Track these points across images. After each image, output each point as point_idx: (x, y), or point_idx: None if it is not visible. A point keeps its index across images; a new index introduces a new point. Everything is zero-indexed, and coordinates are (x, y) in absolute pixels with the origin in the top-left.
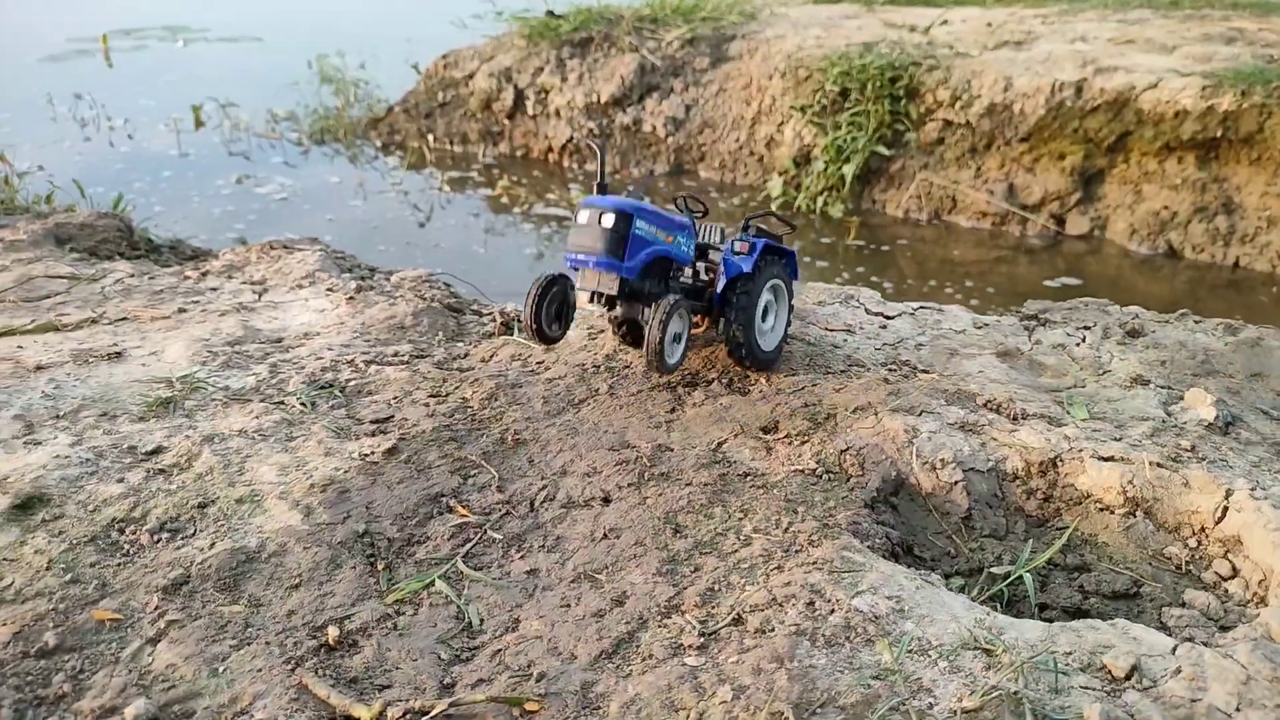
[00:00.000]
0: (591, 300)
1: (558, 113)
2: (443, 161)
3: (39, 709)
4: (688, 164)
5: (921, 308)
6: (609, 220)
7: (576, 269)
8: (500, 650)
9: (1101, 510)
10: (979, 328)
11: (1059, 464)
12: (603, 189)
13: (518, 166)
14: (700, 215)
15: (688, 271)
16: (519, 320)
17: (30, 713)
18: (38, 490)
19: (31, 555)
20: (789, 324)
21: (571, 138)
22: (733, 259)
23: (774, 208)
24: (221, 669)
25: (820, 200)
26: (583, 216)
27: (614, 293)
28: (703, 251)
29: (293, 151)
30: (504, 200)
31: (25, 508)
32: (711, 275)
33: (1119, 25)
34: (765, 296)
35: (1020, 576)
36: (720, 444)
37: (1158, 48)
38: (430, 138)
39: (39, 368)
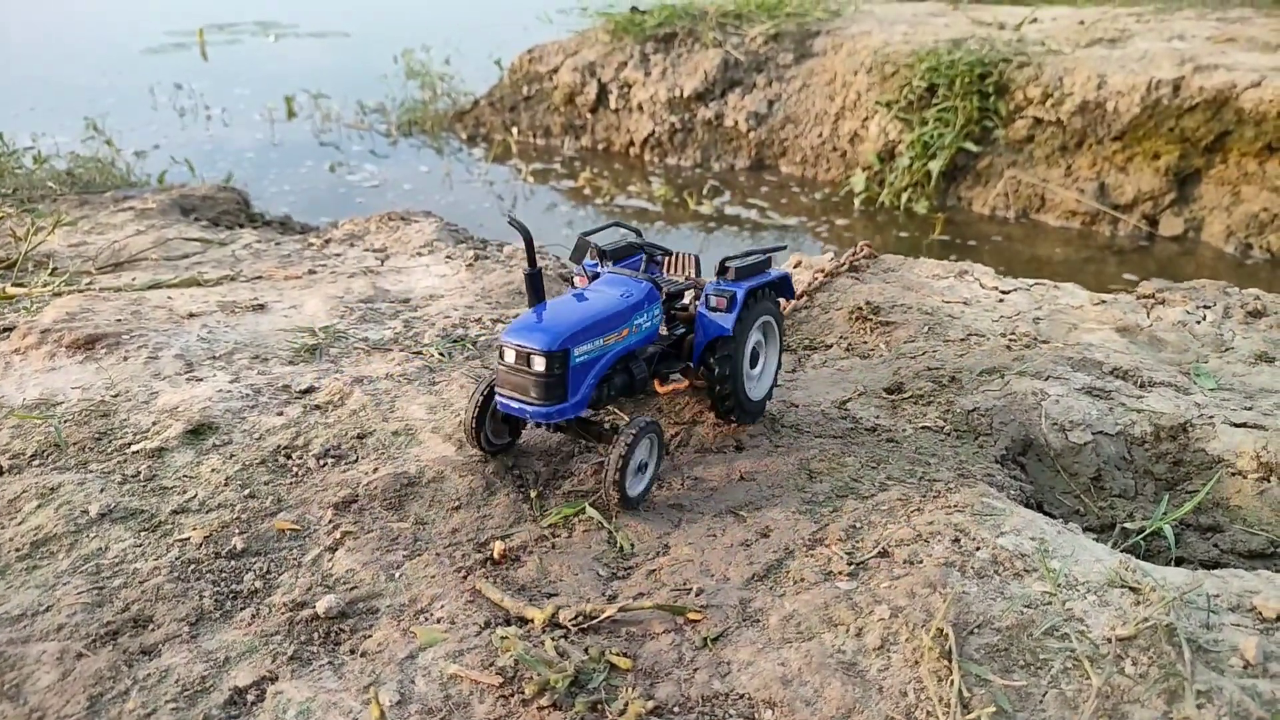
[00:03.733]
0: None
1: (640, 107)
2: (526, 154)
3: (234, 601)
4: (769, 159)
5: (1037, 284)
6: (539, 364)
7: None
8: (655, 570)
9: (1234, 475)
10: (1096, 304)
11: (1189, 429)
12: (535, 281)
13: (600, 159)
14: (662, 258)
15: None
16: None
17: (228, 604)
18: (206, 419)
19: (209, 474)
20: (780, 364)
21: (654, 131)
22: (709, 317)
23: (857, 203)
24: (398, 574)
25: (905, 196)
26: (507, 355)
27: (564, 426)
28: (675, 297)
29: (381, 142)
30: (586, 192)
31: (196, 433)
32: (688, 325)
33: (1219, 24)
34: (753, 338)
35: (1152, 533)
36: (844, 402)
37: (1260, 46)
38: (514, 130)
39: (191, 315)
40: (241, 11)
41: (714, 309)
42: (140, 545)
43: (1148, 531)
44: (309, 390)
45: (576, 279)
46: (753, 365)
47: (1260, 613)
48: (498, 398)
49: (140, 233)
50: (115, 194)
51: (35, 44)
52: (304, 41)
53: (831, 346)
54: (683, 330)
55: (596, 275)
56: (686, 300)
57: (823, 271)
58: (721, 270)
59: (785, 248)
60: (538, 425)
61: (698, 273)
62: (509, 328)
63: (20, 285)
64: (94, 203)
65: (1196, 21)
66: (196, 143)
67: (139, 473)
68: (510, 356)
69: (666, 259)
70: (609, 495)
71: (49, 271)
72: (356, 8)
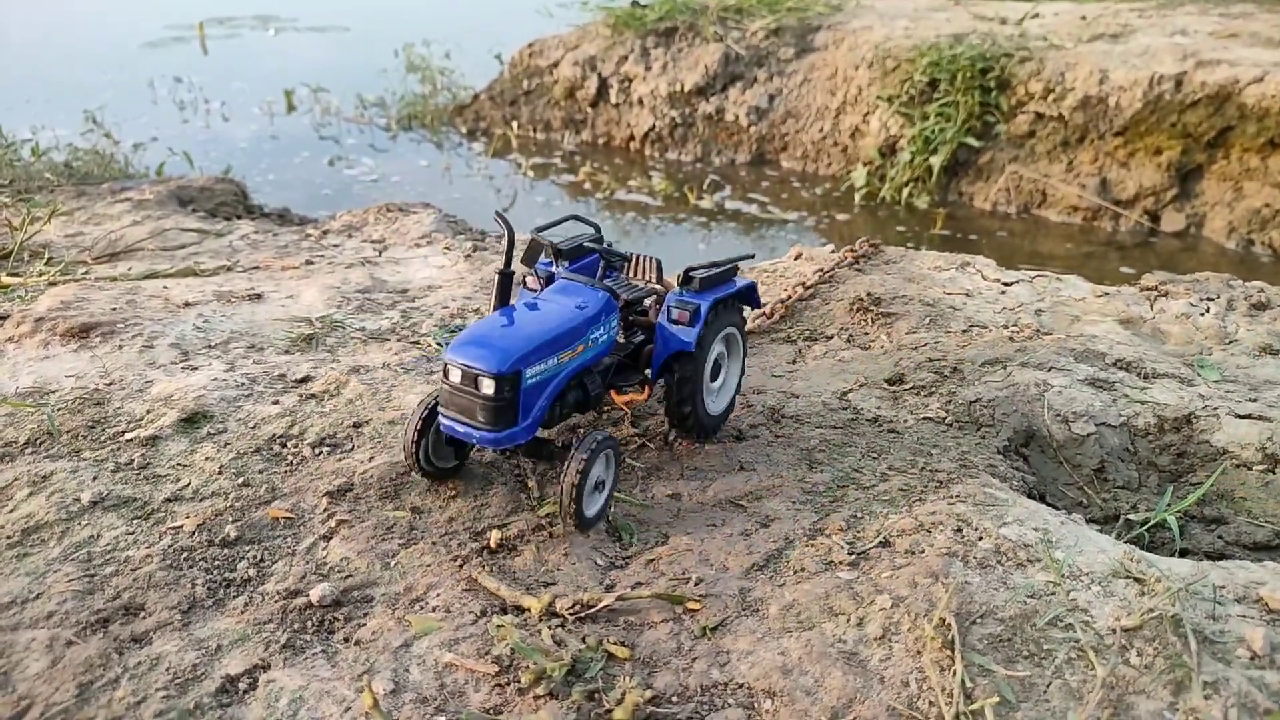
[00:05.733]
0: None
1: (641, 101)
2: (526, 148)
3: (227, 589)
4: (769, 154)
5: (1039, 275)
6: (488, 387)
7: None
8: (654, 559)
9: (1239, 466)
10: (1099, 296)
11: (1193, 421)
12: (505, 282)
13: (600, 154)
14: (619, 264)
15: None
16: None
17: (220, 592)
18: (200, 408)
19: (203, 462)
20: (742, 377)
21: (654, 126)
22: (670, 330)
23: (858, 198)
24: (393, 563)
25: (905, 191)
26: (453, 374)
27: (512, 450)
28: (635, 302)
29: (381, 136)
30: (586, 186)
31: (191, 422)
32: (647, 332)
33: (1221, 19)
34: (716, 351)
35: (1156, 525)
36: (845, 393)
37: (1263, 41)
38: (514, 125)
39: (187, 304)
40: (241, 5)
41: (675, 322)
42: (132, 533)
43: (1151, 523)
44: (305, 379)
45: (529, 279)
46: (713, 378)
47: (1267, 604)
48: (441, 419)
49: (137, 223)
50: (112, 185)
51: (35, 42)
52: (304, 35)
53: (832, 338)
54: (642, 338)
55: (550, 277)
56: (648, 304)
57: (821, 270)
58: (685, 280)
59: (753, 255)
60: (482, 450)
61: (659, 278)
62: (455, 342)
63: (15, 275)
64: (91, 194)
65: (1199, 17)
66: (195, 136)
67: (132, 461)
68: (456, 376)
69: (627, 263)
70: (565, 519)
71: (44, 261)
72: (356, 2)
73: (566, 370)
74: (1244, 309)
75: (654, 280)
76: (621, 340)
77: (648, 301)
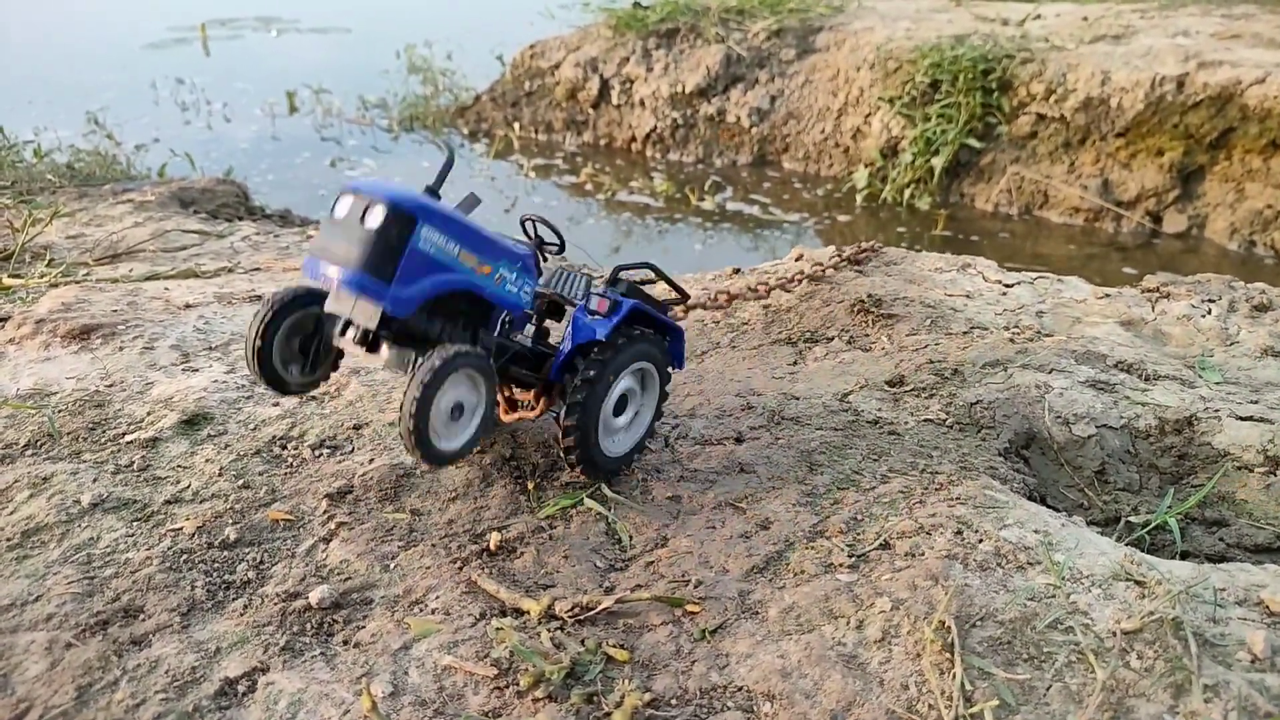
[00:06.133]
0: (344, 332)
1: (642, 103)
2: (528, 149)
3: (227, 591)
4: (771, 155)
5: (1040, 277)
6: (376, 216)
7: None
8: (653, 562)
9: (1240, 469)
10: (1100, 298)
11: (1194, 423)
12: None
13: (601, 155)
14: (555, 250)
15: (526, 327)
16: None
17: (220, 594)
18: (201, 409)
19: (203, 464)
20: (653, 427)
21: (656, 127)
22: (584, 320)
23: (859, 199)
24: (392, 565)
25: (907, 192)
26: (341, 205)
27: (371, 327)
28: (553, 308)
29: (383, 138)
30: (588, 187)
31: (191, 424)
32: (550, 351)
33: (1223, 20)
34: (625, 381)
35: (1156, 528)
36: (846, 395)
37: (1265, 42)
38: (516, 126)
39: (188, 306)
40: (243, 7)
41: (593, 312)
42: (132, 535)
43: (1152, 525)
44: None
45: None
46: (618, 413)
47: (1268, 607)
48: (305, 263)
49: (138, 225)
50: (114, 187)
51: (36, 43)
52: (306, 37)
53: (833, 339)
54: (547, 354)
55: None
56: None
57: (820, 265)
58: (613, 280)
59: (688, 297)
60: (343, 334)
61: (584, 295)
62: (353, 181)
63: (17, 276)
64: (93, 195)
65: (1201, 18)
66: (197, 137)
67: (132, 463)
68: (343, 208)
69: (553, 274)
70: (405, 441)
71: (46, 263)
72: (358, 3)
73: (464, 279)
74: (1246, 310)
75: (580, 298)
76: (528, 344)
77: (568, 312)
